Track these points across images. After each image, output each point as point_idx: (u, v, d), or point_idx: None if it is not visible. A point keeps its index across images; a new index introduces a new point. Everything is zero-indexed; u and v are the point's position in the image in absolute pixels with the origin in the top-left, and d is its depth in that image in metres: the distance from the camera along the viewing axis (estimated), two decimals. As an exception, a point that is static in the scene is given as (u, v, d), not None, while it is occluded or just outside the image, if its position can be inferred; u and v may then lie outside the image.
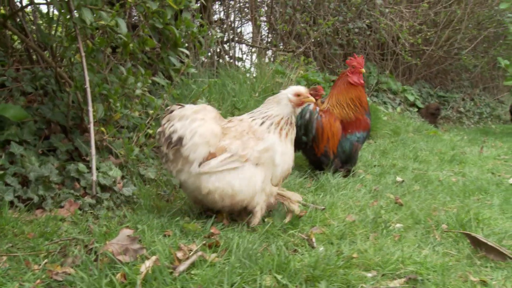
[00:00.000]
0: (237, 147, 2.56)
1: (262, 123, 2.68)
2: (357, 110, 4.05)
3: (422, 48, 10.35)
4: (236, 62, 7.12)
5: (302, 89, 2.82)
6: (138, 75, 3.45)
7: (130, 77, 3.39)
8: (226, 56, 7.18)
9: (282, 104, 2.76)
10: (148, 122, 3.57)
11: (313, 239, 2.36)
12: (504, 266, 2.16)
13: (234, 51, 7.06)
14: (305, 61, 6.95)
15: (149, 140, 3.56)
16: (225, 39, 7.29)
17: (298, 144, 3.95)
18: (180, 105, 2.67)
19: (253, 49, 7.64)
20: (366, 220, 2.68)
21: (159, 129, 2.63)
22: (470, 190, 3.53)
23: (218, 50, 6.99)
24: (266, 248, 2.22)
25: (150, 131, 3.51)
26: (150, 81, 3.67)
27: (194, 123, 2.54)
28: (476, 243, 2.32)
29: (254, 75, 5.90)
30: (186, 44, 5.32)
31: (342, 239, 2.41)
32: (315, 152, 4.02)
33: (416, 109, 9.94)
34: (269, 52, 7.81)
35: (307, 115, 3.98)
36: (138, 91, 3.46)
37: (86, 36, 3.19)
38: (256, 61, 7.01)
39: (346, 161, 4.09)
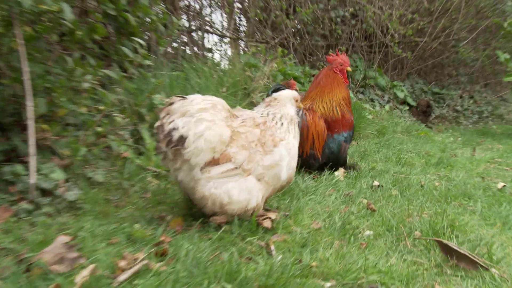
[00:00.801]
0: (242, 159, 2.66)
1: (280, 124, 2.88)
2: (346, 109, 4.28)
3: (415, 39, 10.54)
4: (206, 54, 7.19)
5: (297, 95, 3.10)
6: (86, 66, 3.49)
7: (77, 69, 3.44)
8: (195, 47, 7.24)
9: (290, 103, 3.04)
10: (99, 119, 3.61)
11: (272, 247, 2.44)
12: (474, 275, 2.27)
13: (203, 41, 7.13)
14: (282, 53, 7.05)
15: (99, 139, 3.60)
16: (193, 28, 7.36)
17: None
18: (181, 96, 2.69)
19: (225, 40, 7.72)
20: (333, 227, 2.77)
21: (157, 123, 2.64)
22: (453, 195, 3.65)
23: (186, 40, 7.05)
24: (217, 256, 2.30)
25: (100, 129, 3.56)
26: (101, 73, 3.72)
27: (201, 124, 2.58)
28: (447, 250, 2.43)
29: (222, 68, 5.97)
30: (148, 34, 5.38)
31: (304, 247, 2.49)
32: (300, 153, 4.16)
33: (407, 107, 10.13)
34: (243, 43, 7.90)
35: None
36: (86, 84, 3.50)
37: (25, 21, 3.21)
38: (226, 52, 7.08)
39: (335, 163, 4.25)
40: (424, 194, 3.60)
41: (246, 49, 7.59)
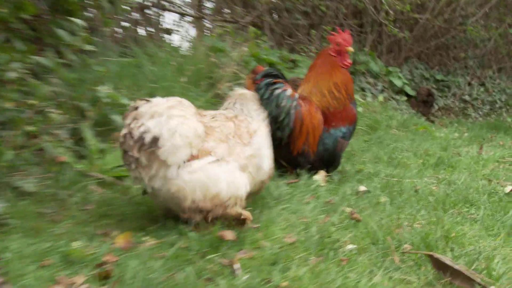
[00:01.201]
0: (223, 152, 2.99)
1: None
2: (342, 98, 4.41)
3: (414, 16, 10.65)
4: (162, 36, 7.22)
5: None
6: (12, 51, 3.50)
7: (1, 55, 3.44)
8: (149, 28, 7.26)
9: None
10: (29, 116, 3.63)
11: (236, 265, 2.50)
12: (471, 294, 2.37)
13: (159, 21, 7.16)
14: (255, 35, 7.12)
15: (30, 140, 3.61)
16: (147, 3, 7.38)
17: None
18: (145, 99, 2.93)
19: (186, 19, 7.76)
20: (311, 240, 2.84)
21: (124, 131, 2.83)
22: (452, 201, 3.75)
23: (138, 18, 7.07)
24: (171, 277, 2.35)
25: (31, 128, 3.57)
26: (32, 60, 3.74)
27: (172, 120, 2.83)
28: (440, 266, 2.52)
29: (183, 53, 6.02)
30: (91, 11, 5.39)
31: (274, 265, 2.56)
32: (290, 150, 4.28)
33: (404, 98, 10.28)
34: (208, 23, 7.94)
35: (284, 103, 4.16)
36: (13, 74, 3.51)
37: None
38: (188, 34, 7.12)
39: (328, 162, 4.38)
40: (418, 201, 3.70)
41: (212, 30, 7.64)
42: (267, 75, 4.21)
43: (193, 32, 7.78)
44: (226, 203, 2.91)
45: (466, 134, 8.32)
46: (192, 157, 2.86)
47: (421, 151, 5.94)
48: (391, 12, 9.82)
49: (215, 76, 5.77)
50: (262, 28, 8.81)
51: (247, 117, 3.31)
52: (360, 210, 3.41)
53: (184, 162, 2.84)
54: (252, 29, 7.29)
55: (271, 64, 7.44)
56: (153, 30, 7.21)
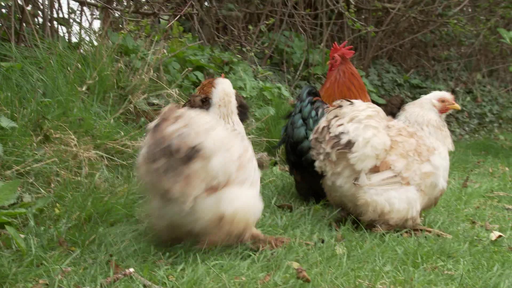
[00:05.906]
0: (401, 167, 4.31)
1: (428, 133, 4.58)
2: None
3: (382, 6, 10.86)
4: (57, 29, 7.15)
5: (446, 95, 4.78)
6: None
7: None
8: (38, 18, 7.17)
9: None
10: None
11: None
12: None
13: (51, 10, 7.08)
14: (178, 31, 7.19)
15: None
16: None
17: (299, 165, 5.14)
18: (349, 101, 4.35)
19: (89, 9, 7.74)
20: (247, 309, 2.92)
21: (323, 123, 4.30)
22: (425, 253, 3.89)
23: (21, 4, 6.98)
24: None
25: None
26: None
27: (368, 131, 4.23)
28: None
29: (83, 54, 5.98)
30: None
31: None
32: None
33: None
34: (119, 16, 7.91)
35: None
36: None
37: None
38: (92, 28, 7.11)
39: None
40: (383, 252, 3.82)
41: (119, 24, 7.64)
42: (309, 93, 5.22)
43: (97, 25, 7.73)
44: (398, 224, 4.32)
45: (448, 159, 8.58)
46: (375, 168, 4.23)
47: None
48: (352, 1, 9.93)
49: (127, 86, 5.77)
50: (190, 19, 8.86)
51: (427, 135, 4.53)
52: (310, 266, 3.50)
53: (368, 170, 4.21)
54: (176, 23, 7.32)
55: (199, 67, 7.50)
56: (42, 21, 7.03)
